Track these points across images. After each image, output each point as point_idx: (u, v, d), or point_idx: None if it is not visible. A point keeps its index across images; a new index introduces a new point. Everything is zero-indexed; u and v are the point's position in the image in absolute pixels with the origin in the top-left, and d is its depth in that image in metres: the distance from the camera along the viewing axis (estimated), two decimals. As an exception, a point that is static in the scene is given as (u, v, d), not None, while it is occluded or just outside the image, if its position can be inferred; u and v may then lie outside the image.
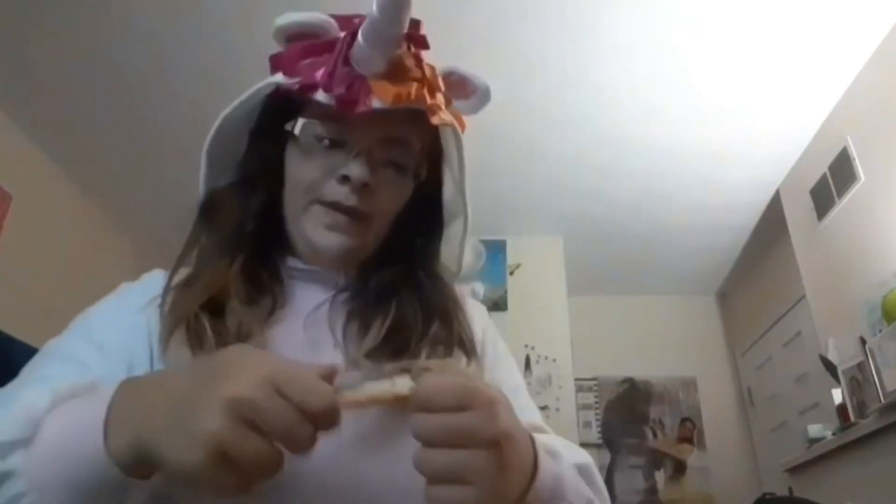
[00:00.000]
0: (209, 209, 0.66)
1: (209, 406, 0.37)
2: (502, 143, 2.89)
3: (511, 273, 3.61)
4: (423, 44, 0.64)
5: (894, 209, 2.31)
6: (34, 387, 0.47)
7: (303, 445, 0.39)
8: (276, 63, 0.64)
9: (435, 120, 0.62)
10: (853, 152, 2.55)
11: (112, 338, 0.59)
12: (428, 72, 0.63)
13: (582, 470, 0.53)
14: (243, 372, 0.38)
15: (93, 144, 2.97)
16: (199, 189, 0.68)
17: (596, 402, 4.10)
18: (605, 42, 2.38)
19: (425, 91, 0.61)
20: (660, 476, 3.99)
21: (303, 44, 0.62)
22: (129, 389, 0.43)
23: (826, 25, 2.28)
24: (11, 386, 0.55)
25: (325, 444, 0.50)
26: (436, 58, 0.66)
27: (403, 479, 0.51)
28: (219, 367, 0.40)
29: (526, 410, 0.65)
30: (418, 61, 0.63)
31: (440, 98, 0.63)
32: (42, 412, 0.43)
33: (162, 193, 3.35)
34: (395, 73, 0.61)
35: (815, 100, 2.64)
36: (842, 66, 2.47)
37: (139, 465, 0.40)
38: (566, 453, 0.53)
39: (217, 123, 0.65)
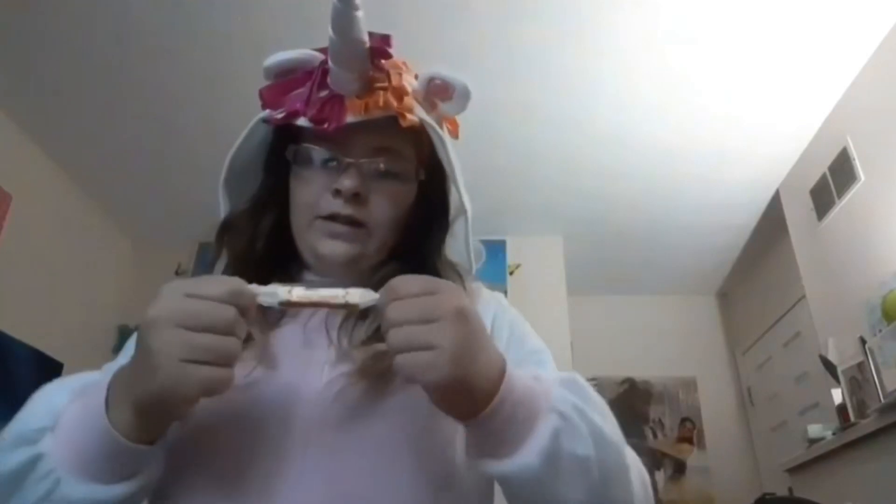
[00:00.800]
0: (226, 233, 0.72)
1: (147, 337, 0.46)
2: (502, 143, 2.90)
3: (511, 273, 3.61)
4: (385, 55, 0.67)
5: (894, 209, 2.31)
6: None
7: (230, 324, 0.47)
8: (263, 99, 0.69)
9: (403, 122, 0.65)
10: (853, 152, 2.55)
11: None
12: (394, 79, 0.66)
13: (566, 382, 0.54)
14: (155, 302, 0.47)
15: (92, 144, 2.97)
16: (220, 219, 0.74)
17: (596, 402, 4.10)
18: (605, 42, 2.38)
19: (391, 96, 0.65)
20: (660, 476, 3.99)
21: (285, 79, 0.68)
22: (120, 372, 0.51)
23: (826, 25, 2.28)
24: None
25: (309, 417, 0.57)
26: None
27: (380, 450, 0.57)
28: (144, 317, 0.48)
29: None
30: (384, 71, 0.66)
31: (408, 101, 0.65)
32: (62, 406, 0.51)
33: (162, 194, 3.35)
34: (365, 86, 0.65)
35: (815, 100, 2.64)
36: (842, 66, 2.47)
37: (142, 427, 0.48)
38: (549, 375, 0.56)
39: (227, 163, 0.71)
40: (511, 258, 3.64)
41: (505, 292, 3.55)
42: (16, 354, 2.80)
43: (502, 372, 0.50)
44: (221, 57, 2.45)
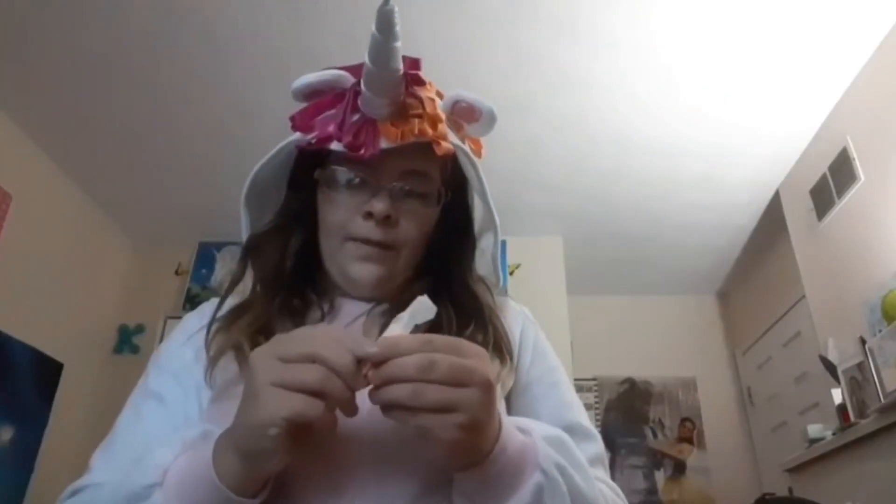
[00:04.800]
0: (252, 251, 0.73)
1: (254, 399, 0.47)
2: (502, 143, 2.89)
3: (511, 273, 3.61)
4: (419, 81, 0.69)
5: (894, 209, 2.31)
6: (151, 439, 0.59)
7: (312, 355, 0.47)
8: (294, 123, 0.70)
9: (439, 150, 0.66)
10: (853, 152, 2.55)
11: (180, 365, 0.68)
12: (428, 107, 0.68)
13: (551, 440, 0.55)
14: (256, 367, 0.48)
15: (93, 144, 2.97)
16: (242, 234, 0.75)
17: (596, 402, 4.10)
18: (604, 42, 2.38)
19: (426, 125, 0.66)
20: (660, 476, 3.98)
21: (315, 101, 0.69)
22: (225, 432, 0.52)
23: (826, 25, 2.28)
24: (123, 430, 0.66)
25: (360, 438, 0.56)
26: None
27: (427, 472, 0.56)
28: (246, 378, 0.50)
29: (566, 408, 0.68)
30: (418, 98, 0.68)
31: (442, 129, 0.68)
32: (168, 462, 0.53)
33: (162, 193, 3.35)
34: (399, 113, 0.66)
35: (815, 100, 2.64)
36: (842, 66, 2.47)
37: (246, 476, 0.50)
38: (538, 429, 0.56)
39: (250, 178, 0.72)
40: (511, 258, 3.64)
41: (505, 292, 3.54)
42: (16, 354, 2.80)
43: (500, 429, 0.51)
44: (221, 57, 2.45)
